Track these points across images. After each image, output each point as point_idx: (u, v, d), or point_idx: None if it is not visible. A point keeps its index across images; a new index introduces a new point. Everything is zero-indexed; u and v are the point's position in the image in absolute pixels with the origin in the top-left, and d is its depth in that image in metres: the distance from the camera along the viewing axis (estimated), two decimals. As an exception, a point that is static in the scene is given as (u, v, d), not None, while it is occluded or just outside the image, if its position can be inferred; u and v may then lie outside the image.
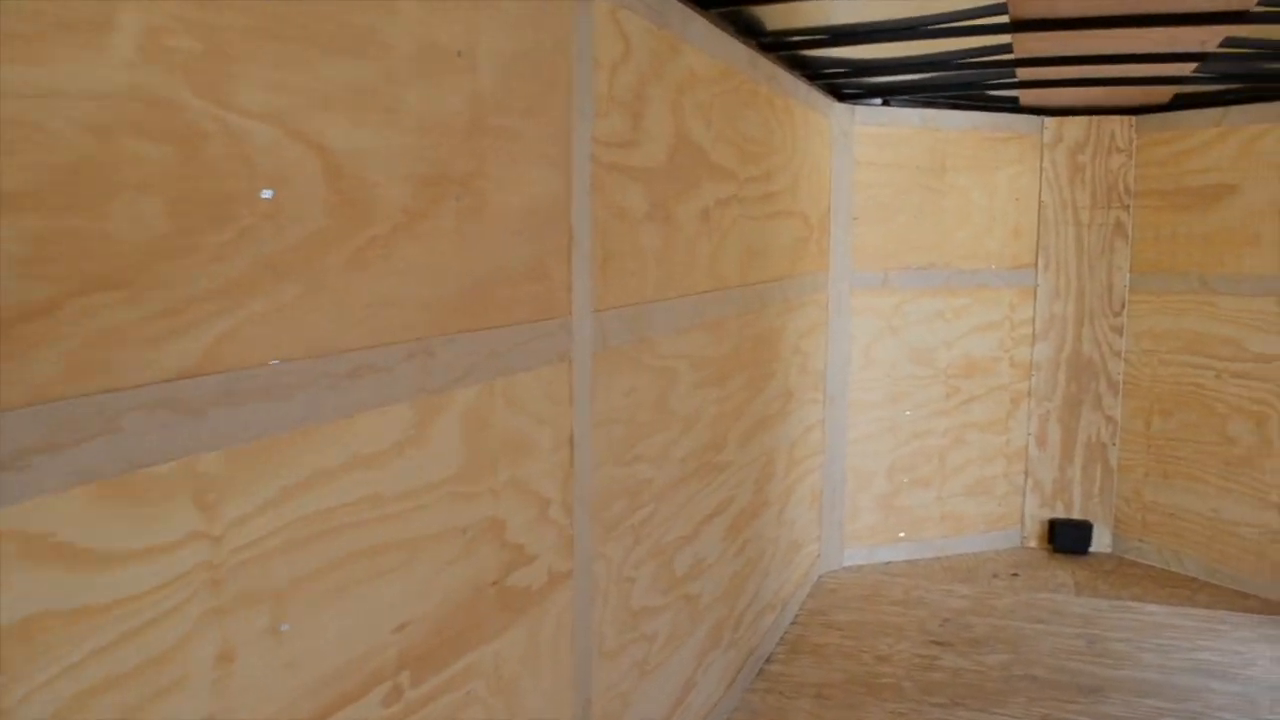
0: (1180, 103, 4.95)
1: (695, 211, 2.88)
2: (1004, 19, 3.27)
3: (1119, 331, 5.25)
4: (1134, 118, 5.15)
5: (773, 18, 3.39)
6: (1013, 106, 5.13)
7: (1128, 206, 5.18)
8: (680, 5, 2.74)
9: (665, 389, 2.68)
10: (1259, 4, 3.03)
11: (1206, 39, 3.49)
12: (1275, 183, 4.63)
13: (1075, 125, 5.20)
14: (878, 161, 4.90)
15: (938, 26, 3.43)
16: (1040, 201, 5.24)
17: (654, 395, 2.60)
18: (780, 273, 3.88)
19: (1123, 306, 5.22)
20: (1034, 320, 5.30)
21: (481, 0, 1.78)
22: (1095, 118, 5.18)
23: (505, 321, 1.89)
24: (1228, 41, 3.57)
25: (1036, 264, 5.27)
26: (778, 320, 3.87)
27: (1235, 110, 4.76)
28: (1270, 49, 3.69)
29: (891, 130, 4.92)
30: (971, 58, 3.98)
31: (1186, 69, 4.02)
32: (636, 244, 2.46)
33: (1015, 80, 4.42)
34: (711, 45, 3.02)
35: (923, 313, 5.07)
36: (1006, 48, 3.75)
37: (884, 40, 3.53)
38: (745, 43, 3.39)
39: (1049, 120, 5.21)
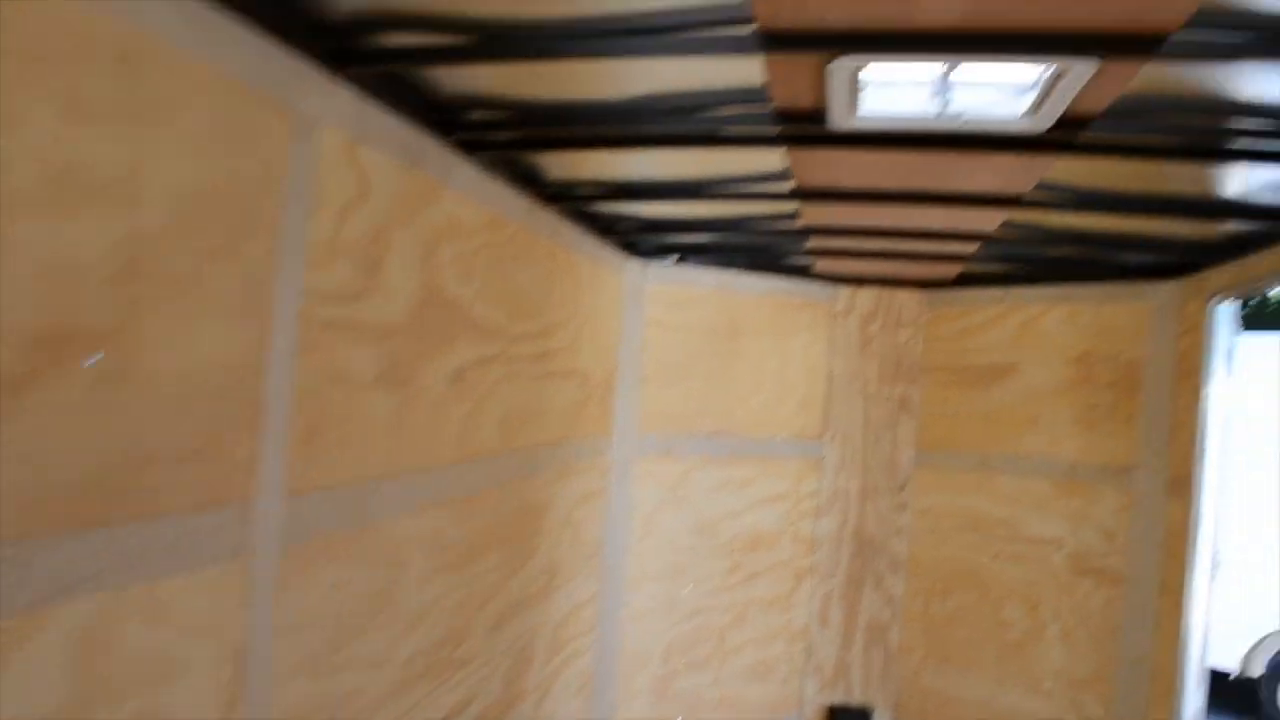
0: (966, 280, 5.02)
1: (446, 373, 2.57)
2: (789, 186, 3.17)
3: (902, 508, 5.17)
4: (923, 292, 5.19)
5: (554, 167, 3.19)
6: (808, 273, 5.10)
7: (914, 381, 5.18)
8: (442, 148, 2.49)
9: (390, 579, 2.32)
10: (1033, 189, 3.02)
11: (986, 221, 3.49)
12: (1054, 364, 4.68)
13: (866, 296, 5.20)
14: (670, 322, 4.74)
15: (724, 191, 3.30)
16: (830, 371, 5.18)
17: (373, 587, 2.23)
18: (554, 437, 3.60)
19: (906, 483, 5.16)
20: (819, 494, 5.17)
21: (154, 119, 1.46)
22: (886, 289, 5.20)
23: (153, 512, 1.51)
24: (1007, 225, 3.58)
25: (824, 435, 5.17)
26: (549, 489, 3.57)
27: (1016, 291, 4.84)
28: (1044, 234, 3.72)
29: (686, 290, 4.78)
30: (763, 222, 3.88)
31: (969, 248, 4.04)
32: (360, 412, 2.12)
33: (807, 248, 4.36)
34: (480, 192, 2.77)
35: (708, 482, 4.87)
36: (796, 214, 3.67)
37: (668, 198, 3.38)
38: (524, 191, 3.17)
39: (842, 289, 5.20)
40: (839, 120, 2.23)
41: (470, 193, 2.70)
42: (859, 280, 5.18)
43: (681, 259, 4.79)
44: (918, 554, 5.12)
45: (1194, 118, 2.29)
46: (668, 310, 4.73)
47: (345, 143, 1.99)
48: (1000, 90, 2.20)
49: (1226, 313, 3.93)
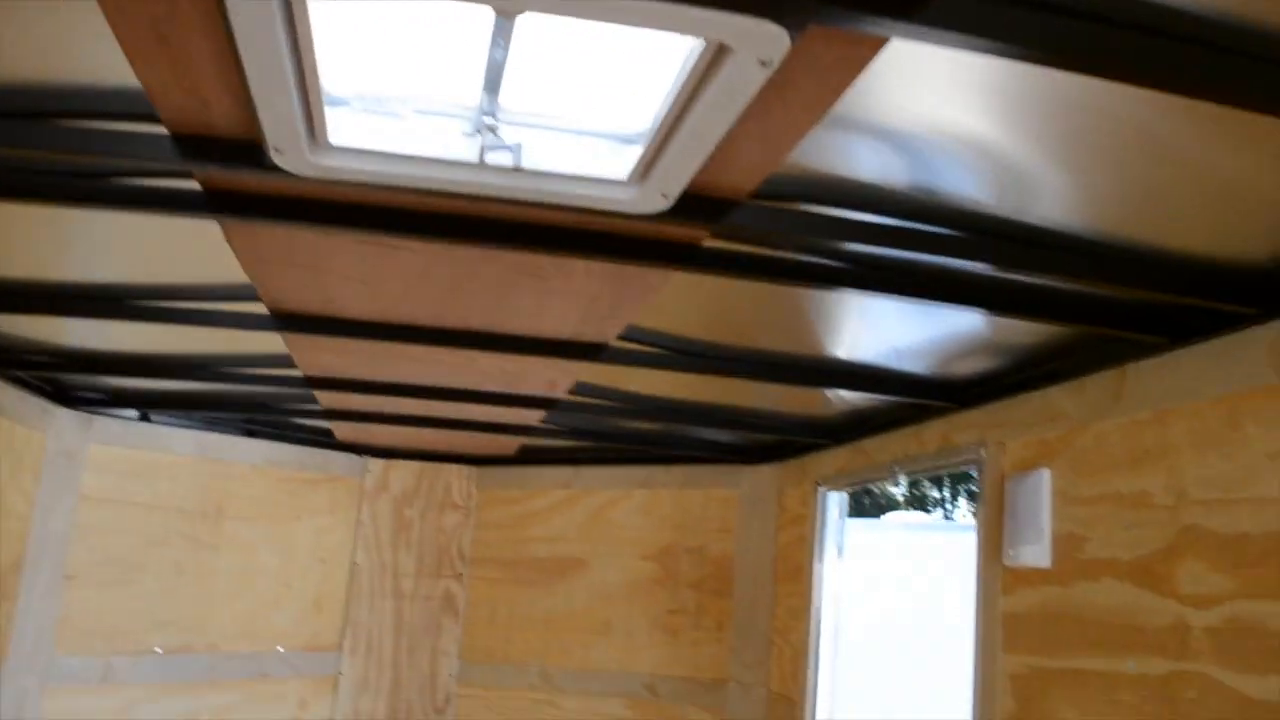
0: (528, 457, 4.08)
1: None
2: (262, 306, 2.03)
3: (442, 739, 4.02)
4: (475, 469, 4.18)
5: None
6: (327, 440, 3.92)
7: (461, 576, 4.11)
8: None
9: None
10: (619, 338, 2.11)
11: (557, 379, 2.54)
12: (630, 560, 3.84)
13: (405, 472, 4.11)
14: (120, 497, 3.35)
15: (157, 307, 2.10)
16: (354, 564, 3.99)
17: None
18: None
19: (447, 702, 4.03)
20: (331, 726, 3.91)
21: None
22: (430, 464, 4.14)
23: None
24: (580, 388, 2.67)
25: (343, 645, 3.94)
26: None
27: (587, 471, 3.97)
28: (620, 401, 2.84)
29: (150, 456, 3.43)
30: (258, 366, 2.71)
31: (534, 416, 3.09)
32: None
33: (321, 408, 3.21)
34: None
35: (164, 717, 3.45)
36: (293, 359, 2.53)
37: (88, 315, 2.11)
38: None
39: (373, 462, 4.07)
40: (299, 163, 1.15)
41: None
42: (395, 452, 4.08)
43: (146, 415, 3.45)
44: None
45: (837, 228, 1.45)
46: (119, 482, 3.35)
47: None
48: (586, 141, 1.22)
49: (837, 503, 3.23)
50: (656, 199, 1.22)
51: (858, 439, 2.94)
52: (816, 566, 3.20)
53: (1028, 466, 2.15)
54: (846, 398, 2.68)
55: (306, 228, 1.41)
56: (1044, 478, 2.08)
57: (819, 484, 3.20)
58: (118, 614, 3.33)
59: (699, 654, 3.70)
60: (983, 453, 2.32)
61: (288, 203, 1.35)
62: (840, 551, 3.23)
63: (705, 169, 1.16)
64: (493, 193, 1.22)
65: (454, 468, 4.15)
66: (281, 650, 3.77)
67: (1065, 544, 2.02)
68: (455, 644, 4.08)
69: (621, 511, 3.89)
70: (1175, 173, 1.28)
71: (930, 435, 2.57)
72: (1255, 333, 1.62)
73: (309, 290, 1.83)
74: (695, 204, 1.26)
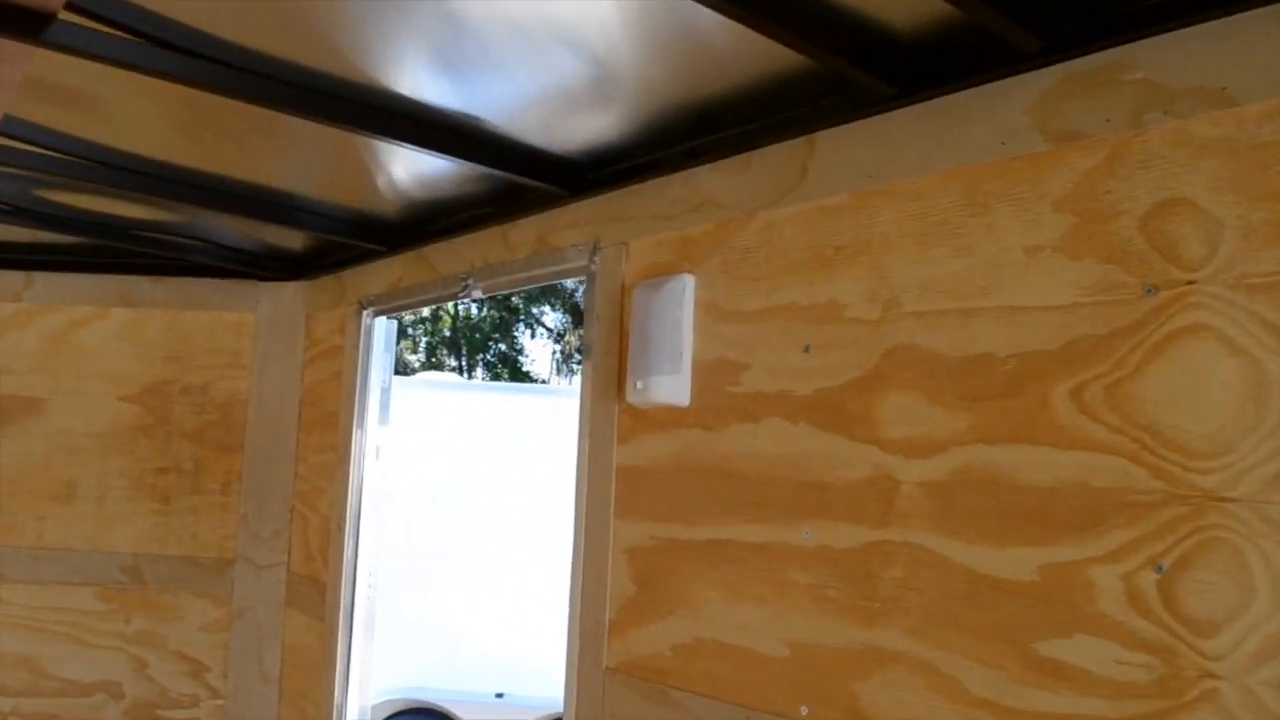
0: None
1: None
2: None
3: None
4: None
5: None
6: None
7: None
8: None
9: None
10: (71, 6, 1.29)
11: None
12: (102, 400, 3.07)
13: None
14: None
15: None
16: None
17: None
18: None
19: None
20: None
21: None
22: None
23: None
24: (15, 127, 1.78)
25: None
26: None
27: (44, 279, 3.07)
28: (81, 155, 1.97)
29: None
30: None
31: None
32: None
33: None
34: None
35: None
36: None
37: None
38: None
39: None
40: None
41: None
42: None
43: None
44: None
45: None
46: None
47: None
48: None
49: (385, 332, 2.58)
50: None
51: (418, 244, 2.28)
52: (356, 413, 2.55)
53: (662, 272, 1.63)
54: (403, 182, 2.01)
55: None
56: (685, 286, 1.56)
57: (363, 305, 2.53)
58: None
59: (198, 525, 3.00)
60: (595, 258, 1.77)
61: None
62: (385, 394, 2.60)
63: None
64: None
65: None
66: None
67: (713, 374, 1.52)
68: None
69: (93, 335, 3.03)
70: None
71: (521, 236, 1.97)
72: (1019, 81, 1.16)
73: None
74: None
